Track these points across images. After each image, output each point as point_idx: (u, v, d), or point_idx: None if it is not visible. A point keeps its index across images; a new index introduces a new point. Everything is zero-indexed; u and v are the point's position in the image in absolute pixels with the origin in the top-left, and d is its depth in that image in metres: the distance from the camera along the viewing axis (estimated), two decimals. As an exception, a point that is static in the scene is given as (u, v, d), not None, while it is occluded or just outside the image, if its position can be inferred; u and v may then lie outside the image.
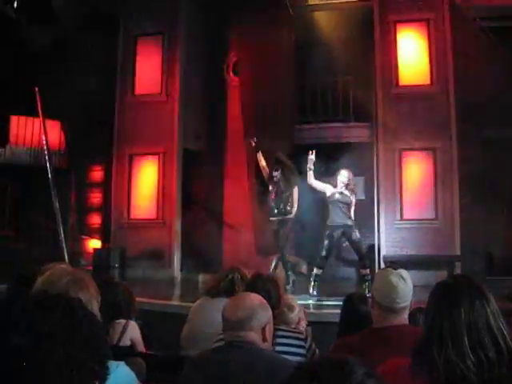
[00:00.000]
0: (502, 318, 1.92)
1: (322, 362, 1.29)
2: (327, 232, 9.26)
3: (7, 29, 12.46)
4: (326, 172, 14.66)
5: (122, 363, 2.00)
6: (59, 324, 1.25)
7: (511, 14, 13.13)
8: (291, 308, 4.17)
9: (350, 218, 9.21)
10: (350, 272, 13.29)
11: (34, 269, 3.60)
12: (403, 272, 2.86)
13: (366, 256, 9.40)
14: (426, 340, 1.95)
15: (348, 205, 9.23)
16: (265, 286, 3.53)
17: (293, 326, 3.97)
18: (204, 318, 4.28)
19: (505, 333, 1.88)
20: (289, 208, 9.65)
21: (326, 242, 9.27)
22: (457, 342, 1.86)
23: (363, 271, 9.34)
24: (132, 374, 2.06)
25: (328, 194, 9.32)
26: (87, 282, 2.57)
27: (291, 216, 9.66)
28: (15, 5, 12.08)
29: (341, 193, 9.21)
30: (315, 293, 9.24)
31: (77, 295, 2.10)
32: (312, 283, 9.33)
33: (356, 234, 9.21)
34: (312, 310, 7.84)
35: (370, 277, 9.03)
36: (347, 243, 9.71)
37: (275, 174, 9.70)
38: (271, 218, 9.76)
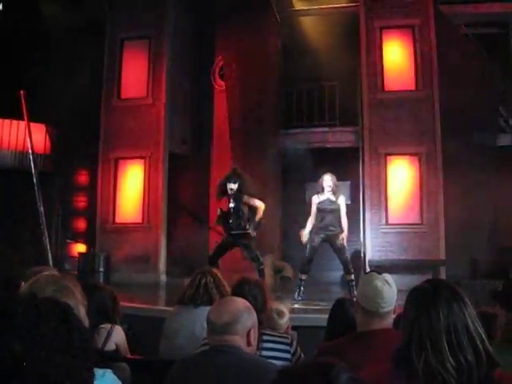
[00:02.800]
0: (479, 321, 1.93)
1: (306, 365, 1.30)
2: (309, 237, 9.24)
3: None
4: (313, 176, 14.74)
5: (108, 371, 1.99)
6: (55, 331, 1.25)
7: (495, 21, 13.31)
8: (281, 314, 4.16)
9: (334, 224, 9.15)
10: (336, 276, 13.32)
11: (18, 273, 3.57)
12: (388, 276, 2.87)
13: (349, 262, 9.36)
14: (406, 344, 1.95)
15: (335, 211, 9.18)
16: (251, 290, 3.53)
17: (281, 332, 3.96)
18: (184, 330, 4.24)
19: (483, 336, 1.89)
20: (247, 225, 9.28)
21: (307, 247, 9.27)
22: (436, 345, 1.86)
23: (348, 277, 9.34)
24: (118, 381, 2.05)
25: (316, 205, 9.27)
26: (73, 288, 2.55)
27: (249, 231, 9.08)
28: (0, 6, 12.05)
29: (329, 200, 9.19)
30: (299, 298, 9.25)
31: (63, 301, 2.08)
32: (297, 288, 9.35)
33: (339, 241, 9.09)
34: (297, 315, 7.83)
35: (354, 282, 9.04)
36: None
37: (232, 186, 9.33)
38: (232, 232, 9.16)
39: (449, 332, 1.87)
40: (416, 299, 2.03)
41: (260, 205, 9.19)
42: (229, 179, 9.25)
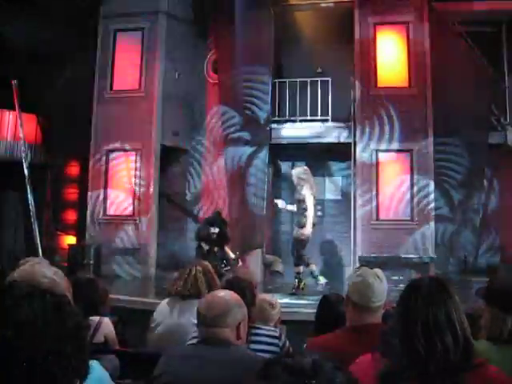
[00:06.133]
0: (462, 313, 2.01)
1: (293, 357, 1.31)
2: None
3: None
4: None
5: (95, 362, 1.98)
6: (47, 318, 1.24)
7: (488, 20, 13.34)
8: (273, 305, 4.18)
9: (297, 214, 9.24)
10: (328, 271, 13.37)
11: (6, 264, 3.56)
12: (378, 271, 2.88)
13: (299, 255, 9.44)
14: (389, 332, 2.06)
15: (299, 202, 9.24)
16: (239, 284, 3.53)
17: (272, 324, 3.97)
18: (172, 323, 4.24)
19: (464, 324, 1.98)
20: (223, 266, 9.59)
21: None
22: (412, 329, 1.95)
23: (296, 269, 9.45)
24: (105, 373, 2.04)
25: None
26: (58, 278, 2.54)
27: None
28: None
29: (296, 192, 9.30)
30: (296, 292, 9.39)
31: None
32: (296, 282, 9.50)
33: (295, 232, 9.34)
34: (286, 309, 7.85)
35: (300, 275, 9.36)
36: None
37: (214, 230, 9.80)
38: None
39: (427, 318, 1.96)
40: (403, 293, 2.12)
41: (232, 257, 10.02)
42: (212, 224, 9.68)
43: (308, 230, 9.23)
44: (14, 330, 1.17)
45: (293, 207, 9.63)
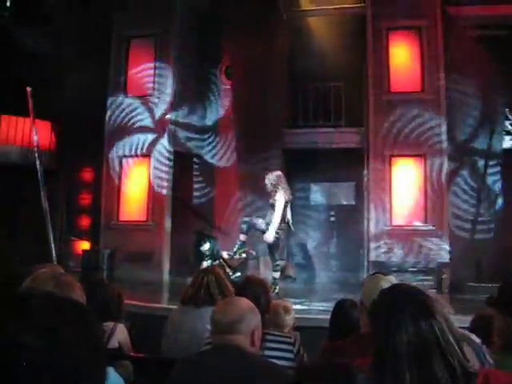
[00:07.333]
0: (453, 332, 1.75)
1: (324, 366, 1.31)
2: None
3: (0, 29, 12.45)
4: (318, 177, 14.75)
5: (110, 368, 1.99)
6: (71, 326, 1.24)
7: (502, 23, 13.26)
8: (287, 310, 4.16)
9: (270, 220, 9.19)
10: (341, 277, 13.35)
11: (21, 270, 3.57)
12: (393, 278, 2.87)
13: (275, 259, 9.42)
14: (375, 361, 1.77)
15: (272, 207, 9.22)
16: (254, 290, 3.52)
17: (286, 330, 3.96)
18: (186, 330, 4.23)
19: (456, 348, 1.73)
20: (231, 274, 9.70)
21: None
22: (397, 365, 1.69)
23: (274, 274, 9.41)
24: (120, 380, 2.04)
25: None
26: (73, 285, 2.56)
27: None
28: (8, 3, 12.07)
29: (272, 198, 9.28)
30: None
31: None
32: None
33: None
34: (300, 315, 7.83)
35: (277, 281, 9.23)
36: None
37: (204, 248, 9.99)
38: None
39: (414, 351, 1.69)
40: (380, 313, 1.87)
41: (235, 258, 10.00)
42: (200, 242, 9.85)
43: (271, 234, 9.16)
44: (35, 336, 1.18)
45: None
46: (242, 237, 9.59)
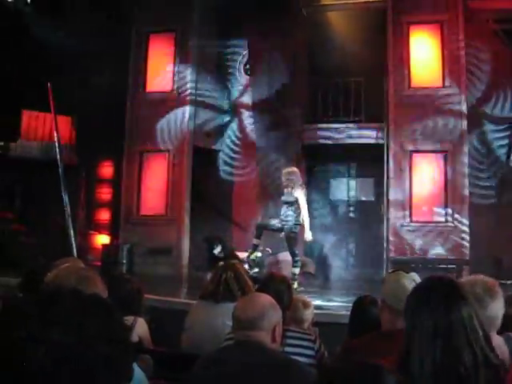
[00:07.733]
0: (479, 320, 1.84)
1: (353, 366, 1.31)
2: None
3: (21, 25, 12.54)
4: (337, 173, 14.71)
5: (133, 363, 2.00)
6: (100, 322, 1.26)
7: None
8: (306, 305, 4.16)
9: (287, 216, 9.15)
10: (360, 273, 13.31)
11: (43, 264, 3.60)
12: (415, 275, 2.85)
13: (296, 255, 9.35)
14: (405, 347, 1.88)
15: (290, 203, 9.15)
16: (277, 287, 3.52)
17: (306, 326, 3.95)
18: (205, 326, 4.24)
19: (480, 335, 1.80)
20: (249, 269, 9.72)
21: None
22: (426, 347, 1.79)
23: (292, 270, 9.34)
24: (142, 374, 2.06)
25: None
26: (94, 279, 2.57)
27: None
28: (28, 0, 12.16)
29: (288, 193, 9.22)
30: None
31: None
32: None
33: (290, 233, 9.17)
34: (319, 311, 7.82)
35: (297, 277, 9.16)
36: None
37: (217, 251, 10.04)
38: None
39: (441, 333, 1.78)
40: (412, 300, 1.98)
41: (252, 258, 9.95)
42: (212, 245, 9.92)
43: (308, 232, 9.15)
44: (61, 332, 1.19)
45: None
46: (255, 241, 9.61)
